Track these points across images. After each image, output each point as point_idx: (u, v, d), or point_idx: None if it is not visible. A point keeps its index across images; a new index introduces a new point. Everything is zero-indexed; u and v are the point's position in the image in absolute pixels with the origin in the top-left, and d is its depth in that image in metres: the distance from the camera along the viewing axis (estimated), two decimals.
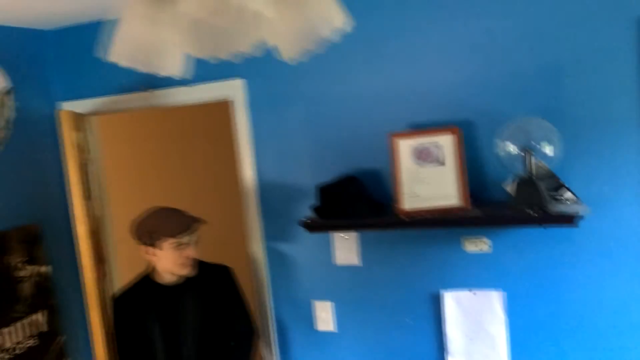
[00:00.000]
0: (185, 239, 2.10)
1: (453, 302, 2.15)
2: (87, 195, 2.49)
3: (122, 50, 1.00)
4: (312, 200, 2.20)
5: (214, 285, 2.24)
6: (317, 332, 2.38)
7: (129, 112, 2.62)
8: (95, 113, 2.60)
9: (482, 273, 2.11)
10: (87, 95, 2.57)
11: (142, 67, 0.99)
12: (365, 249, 2.26)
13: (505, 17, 1.96)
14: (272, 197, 2.37)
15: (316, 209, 2.13)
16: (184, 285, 2.19)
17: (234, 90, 2.36)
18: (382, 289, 2.25)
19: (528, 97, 1.97)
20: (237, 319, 2.28)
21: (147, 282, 2.21)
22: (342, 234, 2.27)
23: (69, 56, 2.58)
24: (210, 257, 2.33)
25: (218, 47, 0.90)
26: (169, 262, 2.11)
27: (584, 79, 1.91)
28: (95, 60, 2.48)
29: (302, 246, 2.35)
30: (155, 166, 3.87)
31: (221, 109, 2.60)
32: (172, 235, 2.07)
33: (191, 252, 2.12)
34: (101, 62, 2.43)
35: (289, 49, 0.97)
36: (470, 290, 2.13)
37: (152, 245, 2.09)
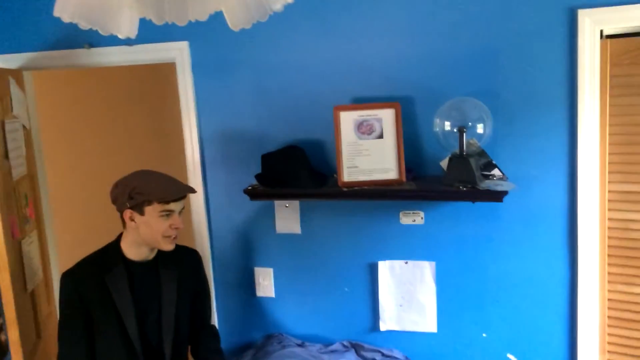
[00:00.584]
0: (175, 206, 1.89)
1: (387, 272, 2.28)
2: (4, 153, 2.32)
3: (66, 5, 1.01)
4: (257, 169, 2.25)
5: (188, 269, 2.07)
6: (257, 298, 2.47)
7: (69, 69, 2.56)
8: (29, 68, 2.53)
9: (416, 244, 2.25)
10: (23, 49, 2.49)
11: (87, 25, 1.01)
12: (306, 218, 2.35)
13: (447, 1, 2.06)
14: (216, 165, 2.42)
15: (259, 177, 2.19)
16: (157, 262, 1.99)
17: (178, 52, 2.36)
18: (321, 257, 2.36)
19: (465, 77, 2.09)
20: (204, 311, 2.15)
21: (115, 253, 1.95)
22: (284, 203, 2.34)
23: (5, 6, 2.49)
24: None
25: (166, 11, 0.93)
26: (153, 231, 1.88)
27: (517, 63, 2.04)
28: (33, 12, 2.45)
29: (245, 214, 2.42)
30: (95, 127, 3.80)
31: (165, 72, 2.59)
32: (164, 201, 1.86)
33: (178, 222, 1.91)
34: (39, 14, 2.42)
35: (236, 18, 1.02)
36: (403, 260, 2.26)
37: (135, 208, 1.86)
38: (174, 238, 1.93)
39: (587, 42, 1.98)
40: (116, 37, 1.11)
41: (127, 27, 1.00)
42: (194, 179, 2.44)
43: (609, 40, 2.00)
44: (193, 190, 1.97)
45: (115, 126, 3.82)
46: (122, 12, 0.98)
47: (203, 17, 0.98)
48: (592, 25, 1.97)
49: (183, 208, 1.94)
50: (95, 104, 3.77)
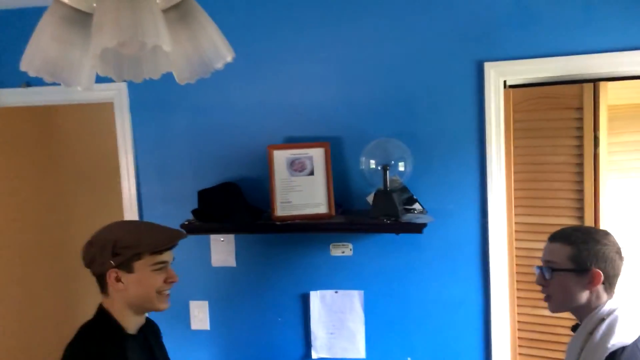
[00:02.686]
0: (168, 256, 1.71)
1: (318, 301, 2.53)
2: None
3: (31, 62, 1.21)
4: (193, 205, 2.46)
5: (159, 337, 1.92)
6: (192, 331, 2.64)
7: (3, 108, 2.69)
8: None
9: (345, 274, 2.52)
10: None
11: (50, 79, 1.21)
12: (241, 252, 2.58)
13: (369, 50, 2.42)
14: (153, 201, 2.62)
15: (195, 212, 2.41)
16: (143, 332, 1.77)
17: (117, 93, 2.56)
18: (256, 289, 2.59)
19: (388, 119, 2.42)
20: None
21: (115, 330, 1.67)
22: (219, 237, 2.55)
23: None
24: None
25: (125, 71, 1.16)
26: (146, 289, 1.66)
27: (433, 108, 2.40)
28: None
29: (181, 249, 2.58)
30: (28, 167, 3.83)
31: (103, 112, 2.76)
32: (157, 251, 1.66)
33: (173, 274, 1.73)
34: None
35: (182, 75, 1.27)
36: (334, 290, 2.51)
37: (121, 266, 1.62)
38: (168, 295, 1.74)
39: (492, 91, 2.36)
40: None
41: (86, 81, 1.22)
42: (130, 215, 2.61)
43: (511, 89, 2.39)
44: (185, 234, 1.78)
45: (50, 164, 3.88)
46: (83, 68, 1.19)
47: (156, 76, 1.22)
48: (496, 77, 2.35)
49: (173, 258, 1.78)
50: (28, 142, 3.83)
